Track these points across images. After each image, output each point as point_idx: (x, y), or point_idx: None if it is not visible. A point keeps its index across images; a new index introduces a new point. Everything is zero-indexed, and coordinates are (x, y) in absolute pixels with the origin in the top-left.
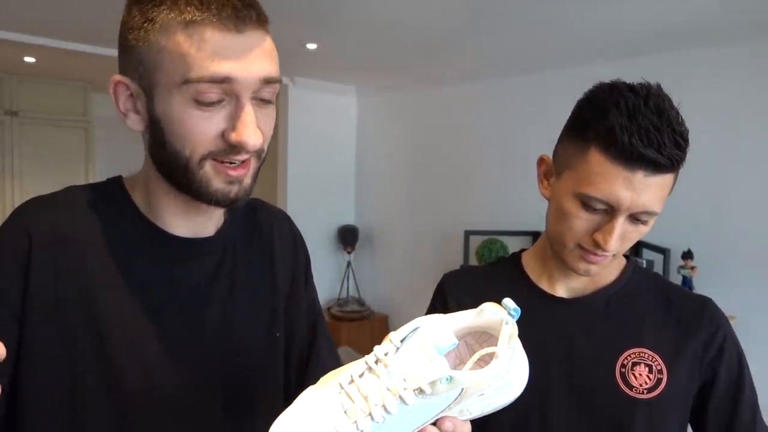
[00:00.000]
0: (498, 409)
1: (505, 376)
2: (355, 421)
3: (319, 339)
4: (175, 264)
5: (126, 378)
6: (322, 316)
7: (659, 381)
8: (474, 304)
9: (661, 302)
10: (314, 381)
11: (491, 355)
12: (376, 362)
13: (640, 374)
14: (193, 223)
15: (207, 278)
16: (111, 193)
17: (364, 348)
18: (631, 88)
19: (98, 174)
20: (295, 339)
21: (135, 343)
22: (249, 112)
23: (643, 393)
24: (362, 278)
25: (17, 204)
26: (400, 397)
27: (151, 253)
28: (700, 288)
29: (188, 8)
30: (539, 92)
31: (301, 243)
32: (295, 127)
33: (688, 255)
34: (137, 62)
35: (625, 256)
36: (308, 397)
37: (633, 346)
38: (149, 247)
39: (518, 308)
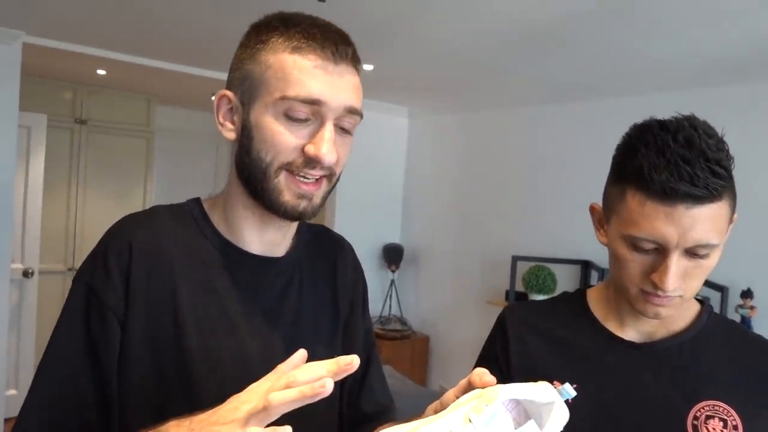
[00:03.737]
0: None
1: None
2: None
3: (373, 368)
4: (250, 280)
5: (202, 388)
6: (375, 345)
7: None
8: (537, 342)
9: (738, 352)
10: (365, 407)
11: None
12: None
13: (714, 428)
14: (266, 242)
15: (277, 296)
16: (192, 213)
17: (403, 366)
18: (662, 125)
19: (155, 182)
20: None
21: (212, 356)
22: (330, 130)
23: None
24: (405, 298)
25: (80, 207)
26: None
27: (229, 269)
28: (760, 329)
29: (297, 35)
30: (593, 120)
31: (361, 273)
32: None
33: (747, 294)
34: (243, 78)
35: (700, 300)
36: None
37: (707, 398)
38: (227, 264)
39: (574, 393)
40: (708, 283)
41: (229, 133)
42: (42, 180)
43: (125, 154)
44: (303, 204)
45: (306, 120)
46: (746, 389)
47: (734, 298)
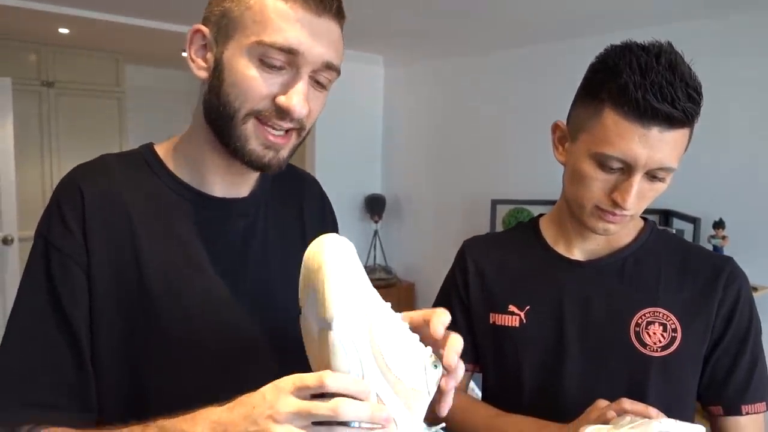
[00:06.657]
0: None
1: None
2: None
3: None
4: (211, 223)
5: (170, 332)
6: None
7: (673, 339)
8: (493, 270)
9: (677, 262)
10: None
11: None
12: None
13: (654, 333)
14: (229, 183)
15: (242, 238)
16: (145, 159)
17: None
18: (642, 47)
19: (131, 143)
20: None
21: (179, 298)
22: (304, 82)
23: (656, 351)
24: (389, 247)
25: (55, 172)
26: None
27: (189, 212)
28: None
29: None
30: (568, 60)
31: (329, 206)
32: None
33: (719, 224)
34: (221, 15)
35: (643, 218)
36: None
37: (647, 306)
38: (186, 207)
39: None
40: (681, 215)
41: (201, 71)
42: (12, 145)
43: (97, 115)
44: (269, 155)
45: (281, 68)
46: (684, 294)
47: (707, 229)
